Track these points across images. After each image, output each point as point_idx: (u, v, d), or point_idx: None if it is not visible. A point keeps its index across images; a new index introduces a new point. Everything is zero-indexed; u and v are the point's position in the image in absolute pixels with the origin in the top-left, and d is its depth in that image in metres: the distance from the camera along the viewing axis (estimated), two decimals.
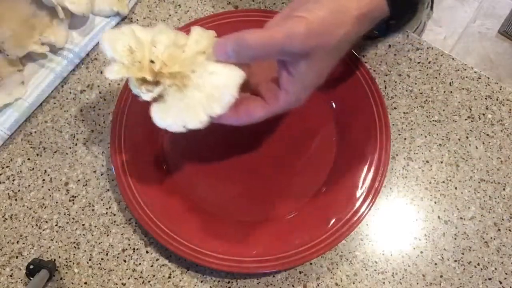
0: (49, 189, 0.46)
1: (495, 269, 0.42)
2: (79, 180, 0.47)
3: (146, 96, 0.34)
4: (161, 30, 0.36)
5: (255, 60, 0.36)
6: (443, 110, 0.48)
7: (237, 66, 0.34)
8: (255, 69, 0.37)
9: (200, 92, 0.33)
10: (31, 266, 0.41)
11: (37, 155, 0.48)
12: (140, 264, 0.43)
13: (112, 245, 0.44)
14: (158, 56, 0.34)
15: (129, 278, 0.43)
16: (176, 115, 0.33)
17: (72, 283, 0.43)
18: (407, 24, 0.41)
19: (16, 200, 0.46)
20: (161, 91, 0.34)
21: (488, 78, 0.49)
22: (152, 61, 0.34)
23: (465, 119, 0.47)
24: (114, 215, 0.45)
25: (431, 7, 0.69)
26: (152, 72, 0.34)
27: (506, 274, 0.42)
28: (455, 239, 0.43)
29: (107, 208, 0.45)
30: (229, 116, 0.35)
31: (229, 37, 0.32)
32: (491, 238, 0.43)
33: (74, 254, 0.44)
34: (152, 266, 0.43)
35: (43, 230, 0.45)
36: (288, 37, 0.31)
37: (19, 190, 0.46)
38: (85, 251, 0.44)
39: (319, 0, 0.33)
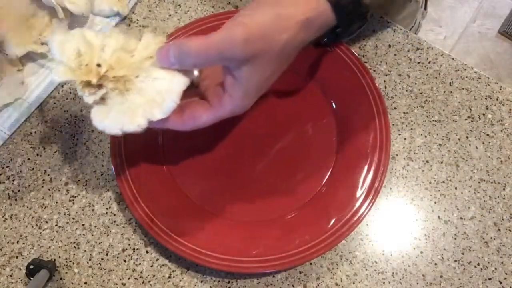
0: (49, 189, 0.46)
1: (495, 269, 0.42)
2: (79, 180, 0.47)
3: (88, 99, 0.34)
4: (111, 34, 0.36)
5: (198, 67, 0.37)
6: (443, 110, 0.48)
7: (181, 73, 0.34)
8: (206, 73, 0.38)
9: (142, 97, 0.34)
10: (31, 266, 0.41)
11: (37, 155, 0.48)
12: (140, 264, 0.43)
13: (112, 245, 0.44)
14: (105, 59, 0.35)
15: (129, 278, 0.43)
16: (115, 117, 0.34)
17: (72, 283, 0.43)
18: (357, 32, 0.41)
19: (16, 200, 0.46)
20: (104, 95, 0.34)
21: (488, 78, 0.49)
22: (99, 65, 0.34)
23: (465, 119, 0.47)
24: (114, 215, 0.45)
25: (425, 7, 0.69)
26: (98, 75, 0.34)
27: (506, 274, 0.42)
28: (455, 239, 0.43)
29: (107, 208, 0.45)
30: (174, 121, 0.35)
31: (172, 44, 0.33)
32: (491, 238, 0.43)
33: (74, 254, 0.44)
34: (152, 266, 0.43)
35: (43, 230, 0.45)
36: (227, 43, 0.31)
37: (19, 190, 0.46)
38: (85, 251, 0.44)
39: (262, 6, 0.33)
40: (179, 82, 0.34)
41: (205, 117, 0.35)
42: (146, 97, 0.34)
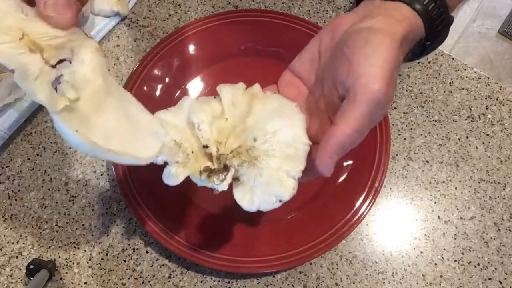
0: (49, 189, 0.46)
1: (495, 269, 0.42)
2: (79, 180, 0.47)
3: (221, 186, 0.30)
4: (193, 107, 0.32)
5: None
6: (443, 110, 0.48)
7: (293, 108, 0.31)
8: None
9: (274, 158, 0.30)
10: (31, 266, 0.41)
11: (37, 155, 0.48)
12: (140, 264, 0.43)
13: (112, 245, 0.44)
14: (208, 138, 0.31)
15: (129, 278, 0.43)
16: (264, 192, 0.30)
17: (72, 283, 0.43)
18: (440, 44, 0.40)
19: (16, 200, 0.46)
20: (234, 174, 0.30)
21: (488, 78, 0.49)
22: (205, 146, 0.31)
23: (465, 119, 0.47)
24: (114, 215, 0.45)
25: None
26: (211, 157, 0.31)
27: (506, 274, 0.42)
28: (455, 239, 0.43)
29: (107, 208, 0.45)
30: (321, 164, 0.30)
31: (333, 147, 0.29)
32: (491, 238, 0.43)
33: (74, 254, 0.44)
34: (152, 266, 0.43)
35: (43, 230, 0.45)
36: (374, 105, 0.29)
37: (19, 190, 0.46)
38: (85, 251, 0.44)
39: (374, 39, 0.30)
40: (299, 121, 0.31)
41: (347, 126, 0.30)
42: (278, 156, 0.30)
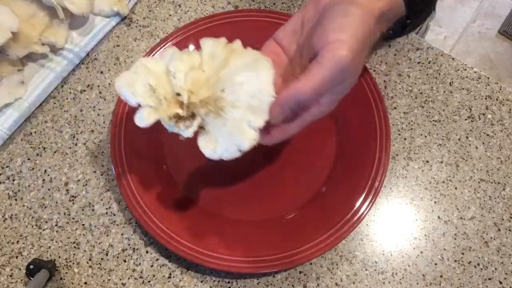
0: (49, 189, 0.46)
1: (495, 269, 0.42)
2: (79, 180, 0.47)
3: (186, 132, 0.32)
4: (173, 56, 0.33)
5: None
6: (443, 110, 0.48)
7: (263, 60, 0.32)
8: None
9: (238, 108, 0.31)
10: (31, 266, 0.41)
11: (37, 155, 0.48)
12: (140, 264, 0.43)
13: (112, 245, 0.44)
14: (181, 86, 0.32)
15: (129, 278, 0.43)
16: (225, 141, 0.31)
17: (72, 283, 0.43)
18: (422, 23, 0.40)
19: (16, 200, 0.46)
20: (201, 122, 0.32)
21: (488, 78, 0.49)
22: (178, 94, 0.32)
23: (465, 119, 0.47)
24: (114, 215, 0.45)
25: (434, 8, 0.69)
26: (182, 105, 0.32)
27: (506, 274, 0.42)
28: (455, 239, 0.43)
29: (107, 208, 0.45)
30: (277, 111, 0.32)
31: (284, 98, 0.31)
32: (491, 238, 0.43)
33: (74, 254, 0.44)
34: (152, 266, 0.43)
35: (43, 230, 0.45)
36: (337, 70, 0.30)
37: (19, 190, 0.46)
38: (85, 251, 0.44)
39: (353, 12, 0.31)
40: (266, 74, 0.32)
41: (306, 83, 0.31)
42: (243, 107, 0.31)
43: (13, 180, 0.47)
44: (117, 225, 0.45)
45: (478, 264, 0.42)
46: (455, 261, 0.42)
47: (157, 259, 0.43)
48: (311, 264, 0.43)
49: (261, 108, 0.31)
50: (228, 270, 0.41)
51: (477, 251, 0.43)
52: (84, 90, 0.50)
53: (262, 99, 0.31)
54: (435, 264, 0.42)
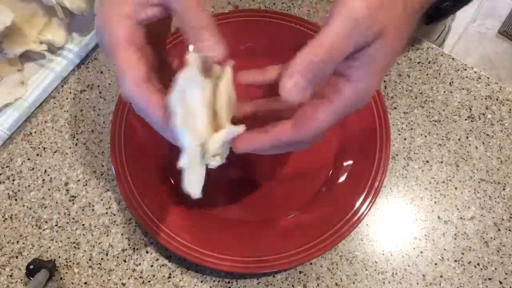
0: (49, 189, 0.46)
1: (495, 269, 0.42)
2: (79, 180, 0.47)
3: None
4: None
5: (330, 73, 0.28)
6: (443, 110, 0.48)
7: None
8: None
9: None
10: (31, 266, 0.41)
11: (37, 155, 0.48)
12: (140, 264, 0.43)
13: (112, 245, 0.44)
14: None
15: (129, 278, 0.43)
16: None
17: (72, 283, 0.43)
18: (463, 6, 0.38)
19: (16, 200, 0.46)
20: None
21: (488, 78, 0.49)
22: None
23: (465, 119, 0.47)
24: (114, 215, 0.45)
25: None
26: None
27: (506, 274, 0.42)
28: (455, 239, 0.43)
29: (107, 208, 0.45)
30: (283, 132, 0.29)
31: (295, 74, 0.26)
32: (491, 238, 0.43)
33: (74, 254, 0.44)
34: (152, 266, 0.43)
35: (43, 230, 0.45)
36: (351, 29, 0.25)
37: (19, 190, 0.46)
38: (85, 251, 0.44)
39: None
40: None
41: (321, 115, 0.27)
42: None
43: (13, 180, 0.47)
44: (117, 225, 0.45)
45: (478, 264, 0.42)
46: (455, 261, 0.42)
47: (157, 259, 0.43)
48: (311, 264, 0.43)
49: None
50: (228, 270, 0.41)
51: (477, 251, 0.43)
52: (84, 90, 0.50)
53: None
54: (435, 264, 0.42)
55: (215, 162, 0.31)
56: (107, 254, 0.44)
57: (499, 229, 0.43)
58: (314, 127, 0.28)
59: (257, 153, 0.30)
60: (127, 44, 0.29)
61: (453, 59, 0.50)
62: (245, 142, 0.30)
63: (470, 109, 0.48)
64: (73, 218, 0.45)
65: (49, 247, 0.44)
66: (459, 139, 0.47)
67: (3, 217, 0.45)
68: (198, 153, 0.30)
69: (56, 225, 0.45)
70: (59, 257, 0.44)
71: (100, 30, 0.30)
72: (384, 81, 0.49)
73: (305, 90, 0.26)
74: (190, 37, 0.30)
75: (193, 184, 0.31)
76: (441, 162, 0.46)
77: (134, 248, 0.44)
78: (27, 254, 0.44)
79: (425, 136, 0.47)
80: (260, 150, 0.30)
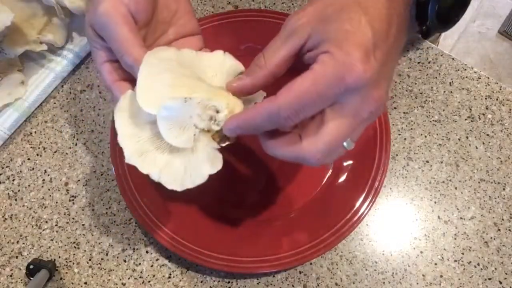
0: (49, 189, 0.46)
1: (495, 269, 0.42)
2: (79, 180, 0.47)
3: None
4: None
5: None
6: (443, 110, 0.48)
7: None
8: None
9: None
10: (31, 266, 0.41)
11: (37, 155, 0.48)
12: (140, 264, 0.43)
13: (112, 245, 0.44)
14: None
15: (129, 278, 0.43)
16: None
17: (72, 283, 0.43)
18: (459, 16, 0.38)
19: (16, 200, 0.46)
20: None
21: (488, 78, 0.49)
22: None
23: (465, 119, 0.47)
24: (114, 215, 0.45)
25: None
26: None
27: (506, 274, 0.42)
28: (455, 239, 0.43)
29: (107, 208, 0.45)
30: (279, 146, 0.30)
31: (257, 111, 0.28)
32: (491, 238, 0.43)
33: (74, 254, 0.44)
34: (152, 266, 0.43)
35: (43, 230, 0.45)
36: (339, 78, 0.26)
37: (19, 190, 0.46)
38: (85, 251, 0.44)
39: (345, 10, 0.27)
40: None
41: (300, 79, 0.27)
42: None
43: (13, 180, 0.47)
44: (117, 225, 0.45)
45: (478, 264, 0.42)
46: (455, 261, 0.42)
47: (157, 259, 0.43)
48: (311, 264, 0.43)
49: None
50: (228, 270, 0.41)
51: (477, 251, 0.43)
52: (84, 90, 0.50)
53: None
54: (435, 264, 0.42)
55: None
56: (107, 254, 0.44)
57: (499, 229, 0.43)
58: (292, 91, 0.27)
59: (244, 131, 0.30)
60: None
61: (453, 59, 0.50)
62: (231, 120, 0.30)
63: (470, 109, 0.48)
64: (73, 218, 0.45)
65: (49, 247, 0.44)
66: (459, 139, 0.47)
67: (3, 217, 0.45)
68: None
69: (56, 225, 0.45)
70: (59, 257, 0.44)
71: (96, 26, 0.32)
72: None
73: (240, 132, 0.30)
74: None
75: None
76: (441, 162, 0.46)
77: (134, 248, 0.44)
78: (27, 254, 0.44)
79: (425, 136, 0.47)
80: (245, 126, 0.29)
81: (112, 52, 0.32)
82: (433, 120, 0.47)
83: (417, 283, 0.42)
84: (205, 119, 0.31)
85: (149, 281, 0.43)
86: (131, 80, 0.33)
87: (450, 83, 0.49)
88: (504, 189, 0.45)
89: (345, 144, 0.29)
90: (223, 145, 0.32)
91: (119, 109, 0.32)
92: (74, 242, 0.44)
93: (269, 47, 0.30)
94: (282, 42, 0.29)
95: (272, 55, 0.30)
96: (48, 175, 0.47)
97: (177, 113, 0.30)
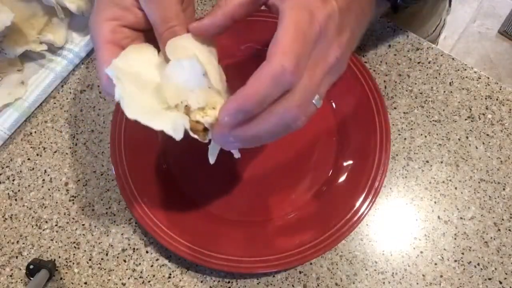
0: (49, 189, 0.46)
1: (495, 269, 0.42)
2: (79, 180, 0.47)
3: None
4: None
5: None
6: (443, 110, 0.48)
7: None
8: None
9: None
10: (31, 266, 0.41)
11: (37, 155, 0.48)
12: (140, 264, 0.43)
13: (112, 245, 0.44)
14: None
15: (129, 278, 0.43)
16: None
17: (72, 283, 0.43)
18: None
19: (16, 200, 0.46)
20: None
21: (488, 78, 0.49)
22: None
23: (465, 119, 0.47)
24: (114, 215, 0.45)
25: (450, 3, 0.69)
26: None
27: (506, 274, 0.42)
28: (455, 239, 0.43)
29: (107, 208, 0.45)
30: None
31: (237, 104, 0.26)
32: (491, 238, 0.43)
33: (74, 254, 0.44)
34: (152, 266, 0.43)
35: (43, 230, 0.45)
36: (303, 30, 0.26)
37: (19, 190, 0.46)
38: (85, 251, 0.44)
39: None
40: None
41: (275, 49, 0.26)
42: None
43: (13, 180, 0.47)
44: (117, 225, 0.45)
45: (478, 264, 0.42)
46: (455, 261, 0.42)
47: (157, 259, 0.43)
48: (311, 264, 0.43)
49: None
50: (228, 270, 0.41)
51: (477, 251, 0.43)
52: (84, 90, 0.50)
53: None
54: (435, 264, 0.42)
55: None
56: (107, 254, 0.44)
57: (499, 229, 0.43)
58: (285, 44, 0.26)
59: (246, 115, 0.27)
60: (105, 42, 0.31)
61: (453, 59, 0.50)
62: (227, 107, 0.27)
63: (470, 109, 0.48)
64: (73, 218, 0.45)
65: (49, 247, 0.44)
66: (459, 139, 0.47)
67: (3, 217, 0.45)
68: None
69: (56, 225, 0.45)
70: (59, 257, 0.44)
71: (90, 32, 0.33)
72: (384, 81, 0.49)
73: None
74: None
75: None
76: (441, 162, 0.46)
77: (134, 248, 0.44)
78: (27, 254, 0.44)
79: (425, 136, 0.47)
80: (248, 106, 0.26)
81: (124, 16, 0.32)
82: (433, 120, 0.47)
83: (417, 283, 0.42)
84: (200, 103, 0.30)
85: (149, 281, 0.43)
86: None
87: (450, 83, 0.49)
88: (504, 189, 0.45)
89: (314, 101, 0.29)
90: (192, 135, 0.31)
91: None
92: (74, 242, 0.44)
93: None
94: None
95: None
96: (48, 175, 0.47)
97: (186, 78, 0.30)
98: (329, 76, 0.30)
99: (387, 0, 0.38)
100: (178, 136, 0.29)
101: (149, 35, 0.34)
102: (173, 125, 0.29)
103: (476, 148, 0.46)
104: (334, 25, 0.28)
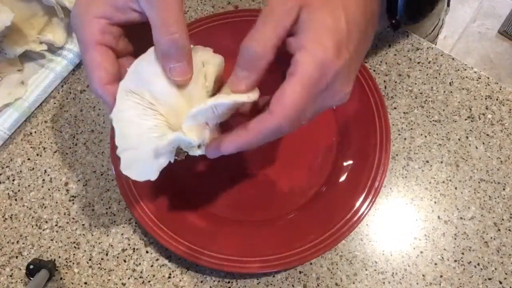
0: (49, 189, 0.46)
1: (495, 269, 0.42)
2: (79, 180, 0.47)
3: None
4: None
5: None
6: (443, 110, 0.48)
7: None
8: None
9: None
10: (31, 266, 0.41)
11: (37, 155, 0.48)
12: (140, 264, 0.43)
13: (112, 245, 0.44)
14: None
15: (129, 278, 0.43)
16: None
17: (72, 283, 0.43)
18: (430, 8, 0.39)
19: (16, 200, 0.46)
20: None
21: (488, 78, 0.49)
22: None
23: (465, 119, 0.47)
24: (114, 215, 0.45)
25: (448, 4, 0.69)
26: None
27: (506, 274, 0.42)
28: (455, 239, 0.43)
29: (107, 208, 0.45)
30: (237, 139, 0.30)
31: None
32: (491, 238, 0.43)
33: (74, 254, 0.44)
34: (152, 266, 0.43)
35: (43, 230, 0.45)
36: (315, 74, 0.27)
37: (19, 190, 0.46)
38: (85, 251, 0.44)
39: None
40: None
41: (289, 90, 0.27)
42: None
43: (13, 180, 0.47)
44: (117, 225, 0.45)
45: (478, 264, 0.42)
46: (455, 261, 0.42)
47: (157, 259, 0.43)
48: (311, 264, 0.43)
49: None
50: (228, 270, 0.41)
51: (477, 251, 0.43)
52: (84, 90, 0.50)
53: None
54: (435, 264, 0.42)
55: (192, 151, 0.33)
56: (107, 254, 0.44)
57: (499, 229, 0.43)
58: (288, 104, 0.27)
59: (243, 150, 0.31)
60: (95, 44, 0.31)
61: (453, 59, 0.50)
62: (229, 143, 0.30)
63: (470, 109, 0.48)
64: (73, 218, 0.45)
65: (49, 247, 0.44)
66: (459, 139, 0.47)
67: (3, 217, 0.45)
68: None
69: (56, 225, 0.45)
70: (59, 257, 0.44)
71: (74, 27, 0.32)
72: (384, 81, 0.49)
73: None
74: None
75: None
76: (441, 162, 0.46)
77: (134, 248, 0.44)
78: (27, 254, 0.44)
79: (425, 136, 0.47)
80: (245, 146, 0.30)
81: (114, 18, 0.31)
82: (433, 120, 0.47)
83: (417, 283, 0.42)
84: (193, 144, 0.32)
85: (149, 281, 0.43)
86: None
87: (450, 83, 0.49)
88: (504, 189, 0.45)
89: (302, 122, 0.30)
90: (178, 158, 0.34)
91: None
92: (74, 242, 0.44)
93: (259, 33, 0.29)
94: (273, 26, 0.29)
95: (267, 41, 0.29)
96: (48, 175, 0.47)
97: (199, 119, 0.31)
98: (324, 109, 0.32)
99: (389, 21, 0.39)
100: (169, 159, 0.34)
101: (132, 33, 0.33)
102: (157, 167, 0.34)
103: (476, 148, 0.46)
104: (341, 79, 0.29)
